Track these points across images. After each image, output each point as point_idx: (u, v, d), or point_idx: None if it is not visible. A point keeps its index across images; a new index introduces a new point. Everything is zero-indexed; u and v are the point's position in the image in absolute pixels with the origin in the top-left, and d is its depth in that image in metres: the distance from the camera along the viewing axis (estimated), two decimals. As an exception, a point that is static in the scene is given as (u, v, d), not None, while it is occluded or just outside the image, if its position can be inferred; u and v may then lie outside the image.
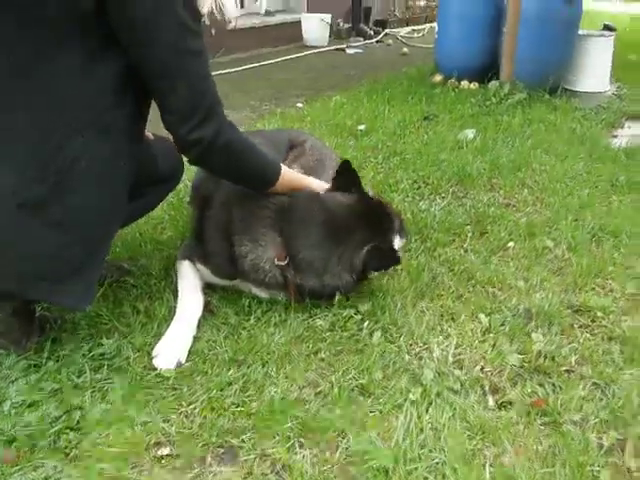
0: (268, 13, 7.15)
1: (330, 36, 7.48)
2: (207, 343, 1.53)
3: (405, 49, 6.93)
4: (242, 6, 7.05)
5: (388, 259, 1.66)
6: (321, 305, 1.68)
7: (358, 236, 1.63)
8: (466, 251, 2.01)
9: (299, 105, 4.22)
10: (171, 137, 1.43)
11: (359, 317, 1.63)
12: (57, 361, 1.43)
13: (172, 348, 1.49)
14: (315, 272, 1.62)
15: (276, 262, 1.62)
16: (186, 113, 1.34)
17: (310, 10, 7.51)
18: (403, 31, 8.55)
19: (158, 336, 1.54)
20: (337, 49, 7.01)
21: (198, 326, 1.58)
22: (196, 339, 1.55)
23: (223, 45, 6.33)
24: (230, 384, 1.38)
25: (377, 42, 7.73)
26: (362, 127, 3.42)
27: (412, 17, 9.65)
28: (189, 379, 1.41)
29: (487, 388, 1.40)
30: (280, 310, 1.66)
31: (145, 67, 1.28)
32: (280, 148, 2.17)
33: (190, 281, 1.71)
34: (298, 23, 7.27)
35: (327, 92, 4.61)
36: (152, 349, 1.49)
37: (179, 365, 1.45)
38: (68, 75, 1.23)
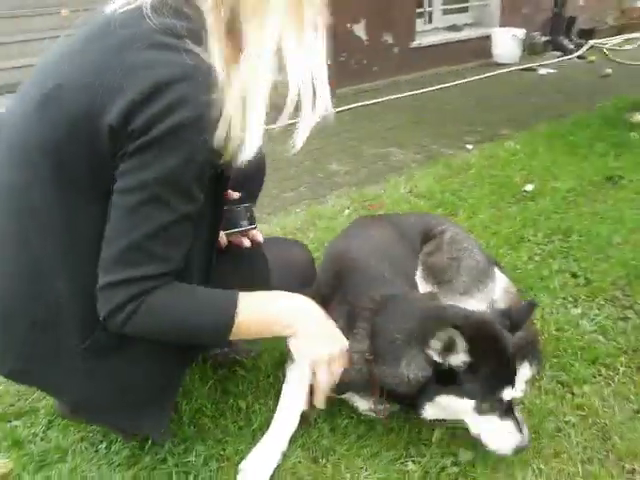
0: (454, 28, 6.81)
1: (524, 50, 6.88)
2: (292, 464, 1.51)
3: (608, 70, 6.06)
4: (430, 21, 6.84)
5: None
6: (419, 442, 1.54)
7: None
8: (611, 395, 1.68)
9: (469, 147, 3.96)
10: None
11: (455, 470, 1.46)
12: (156, 457, 1.53)
13: (258, 467, 1.48)
14: (392, 359, 1.46)
15: (366, 356, 1.53)
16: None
17: (503, 23, 6.97)
18: (613, 41, 7.49)
19: (251, 444, 1.56)
20: (527, 69, 6.41)
21: (291, 440, 1.57)
22: (286, 456, 1.53)
23: (404, 65, 6.22)
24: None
25: (578, 57, 6.89)
26: (529, 187, 3.07)
27: (627, 23, 8.40)
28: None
29: None
30: (375, 439, 1.56)
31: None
32: (413, 239, 2.03)
33: (293, 390, 1.65)
34: (487, 38, 6.80)
35: (503, 130, 4.25)
36: (241, 459, 1.51)
37: (263, 483, 1.45)
38: None
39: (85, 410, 1.46)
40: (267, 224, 2.94)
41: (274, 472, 1.48)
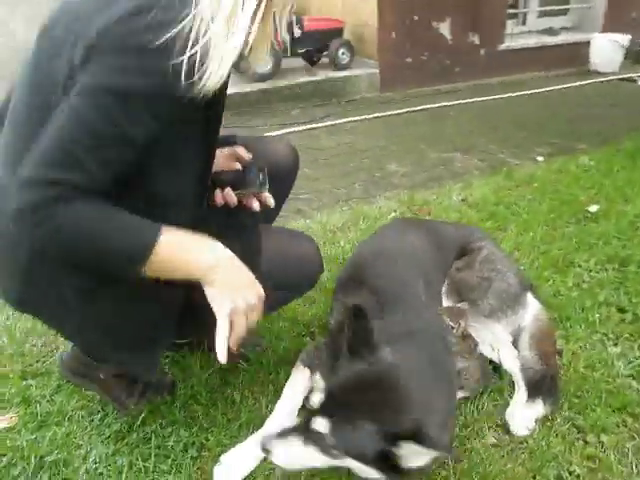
0: (550, 31, 6.39)
1: (626, 58, 6.33)
2: (270, 469, 1.47)
3: None
4: (524, 23, 6.46)
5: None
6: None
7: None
8: (631, 451, 1.49)
9: (539, 159, 3.70)
10: None
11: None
12: (141, 435, 1.56)
13: (233, 467, 1.46)
14: None
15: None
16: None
17: (606, 28, 6.44)
18: None
19: (235, 438, 1.54)
20: (626, 79, 5.91)
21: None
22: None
23: (489, 68, 5.94)
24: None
25: (689, 70, 6.25)
26: (594, 208, 2.81)
27: None
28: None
29: None
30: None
31: None
32: (448, 251, 1.92)
33: (291, 397, 1.60)
34: (586, 44, 6.32)
35: (580, 145, 3.93)
36: (222, 452, 1.50)
37: (236, 484, 1.43)
38: None
39: (79, 341, 1.51)
40: (309, 219, 2.91)
41: (252, 472, 1.46)
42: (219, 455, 1.49)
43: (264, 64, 5.36)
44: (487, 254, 1.91)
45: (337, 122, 4.81)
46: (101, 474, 1.46)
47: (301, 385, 1.62)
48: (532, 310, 1.87)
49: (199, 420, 1.61)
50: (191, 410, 1.64)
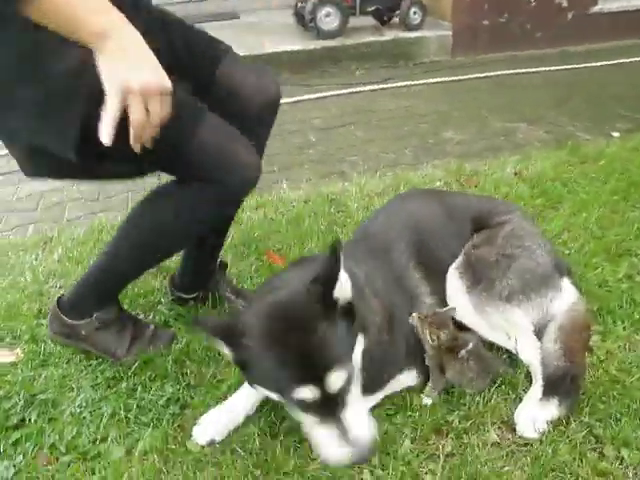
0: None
1: None
2: (249, 433, 1.40)
3: None
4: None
5: None
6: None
7: None
8: None
9: (614, 134, 3.32)
10: None
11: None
12: (130, 385, 1.53)
13: (213, 425, 1.41)
14: None
15: None
16: None
17: None
18: None
19: (220, 401, 1.48)
20: None
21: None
22: (250, 420, 1.43)
23: (576, 33, 5.40)
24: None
25: None
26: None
27: None
28: (202, 465, 1.32)
29: None
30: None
31: None
32: (460, 225, 1.73)
33: None
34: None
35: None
36: (204, 412, 1.45)
37: (211, 443, 1.38)
38: None
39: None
40: (348, 182, 2.77)
41: (228, 435, 1.40)
42: (201, 415, 1.44)
43: (330, 21, 5.15)
44: (513, 229, 1.70)
45: (396, 85, 4.56)
46: (84, 418, 1.45)
47: None
48: (567, 298, 1.65)
49: (188, 377, 1.56)
50: (183, 366, 1.60)
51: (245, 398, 1.45)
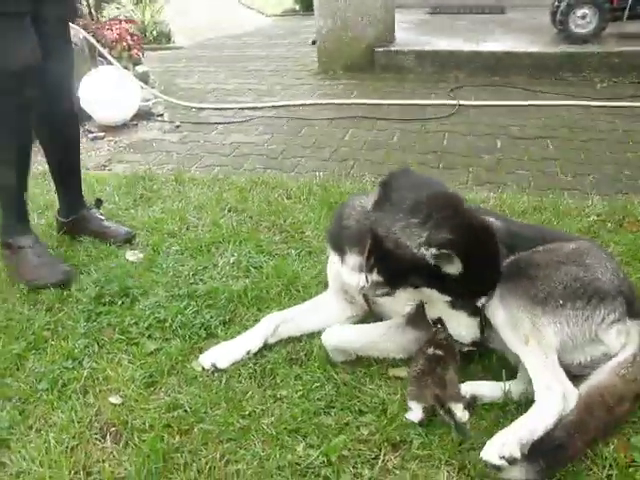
0: None
1: None
2: (243, 375, 1.58)
3: None
4: None
5: None
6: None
7: None
8: None
9: None
10: None
11: None
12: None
13: (217, 353, 1.62)
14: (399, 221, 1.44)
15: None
16: None
17: None
18: None
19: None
20: None
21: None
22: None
23: None
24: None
25: None
26: None
27: None
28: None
29: None
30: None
31: None
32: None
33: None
34: None
35: None
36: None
37: (213, 367, 1.59)
38: None
39: None
40: (494, 193, 2.60)
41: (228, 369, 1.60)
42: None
43: (585, 24, 4.61)
44: (577, 247, 1.52)
45: (619, 104, 3.88)
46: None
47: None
48: (628, 346, 1.40)
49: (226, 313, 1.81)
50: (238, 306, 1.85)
51: (250, 339, 1.64)
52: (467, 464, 1.29)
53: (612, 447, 1.28)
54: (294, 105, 4.15)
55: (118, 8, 6.66)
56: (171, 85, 4.79)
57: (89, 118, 3.71)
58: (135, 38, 4.40)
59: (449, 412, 1.31)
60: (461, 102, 4.03)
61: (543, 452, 1.23)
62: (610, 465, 1.25)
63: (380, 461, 1.32)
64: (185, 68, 5.50)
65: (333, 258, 1.67)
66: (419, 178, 1.59)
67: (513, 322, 1.40)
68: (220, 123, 3.86)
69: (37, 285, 1.94)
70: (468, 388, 1.43)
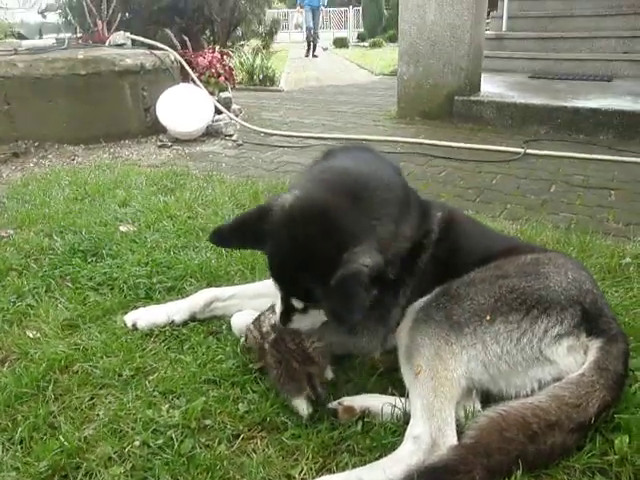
0: None
1: None
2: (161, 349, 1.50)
3: None
4: None
5: None
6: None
7: None
8: None
9: None
10: None
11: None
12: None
13: (142, 313, 1.58)
14: None
15: None
16: None
17: None
18: None
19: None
20: None
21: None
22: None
23: None
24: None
25: None
26: None
27: None
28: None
29: None
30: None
31: None
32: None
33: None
34: None
35: None
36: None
37: (133, 326, 1.55)
38: None
39: None
40: (530, 223, 2.33)
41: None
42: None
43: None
44: (539, 257, 1.29)
45: None
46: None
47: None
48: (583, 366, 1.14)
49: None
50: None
51: (176, 309, 1.57)
52: (330, 462, 1.08)
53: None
54: (356, 138, 4.14)
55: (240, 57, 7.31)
56: (254, 115, 5.04)
57: (165, 130, 4.00)
58: (227, 68, 4.73)
59: (314, 388, 1.12)
60: (528, 150, 3.76)
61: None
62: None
63: (240, 439, 1.15)
64: (275, 105, 5.79)
65: None
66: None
67: (410, 351, 1.18)
68: (281, 146, 3.95)
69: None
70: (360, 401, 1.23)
